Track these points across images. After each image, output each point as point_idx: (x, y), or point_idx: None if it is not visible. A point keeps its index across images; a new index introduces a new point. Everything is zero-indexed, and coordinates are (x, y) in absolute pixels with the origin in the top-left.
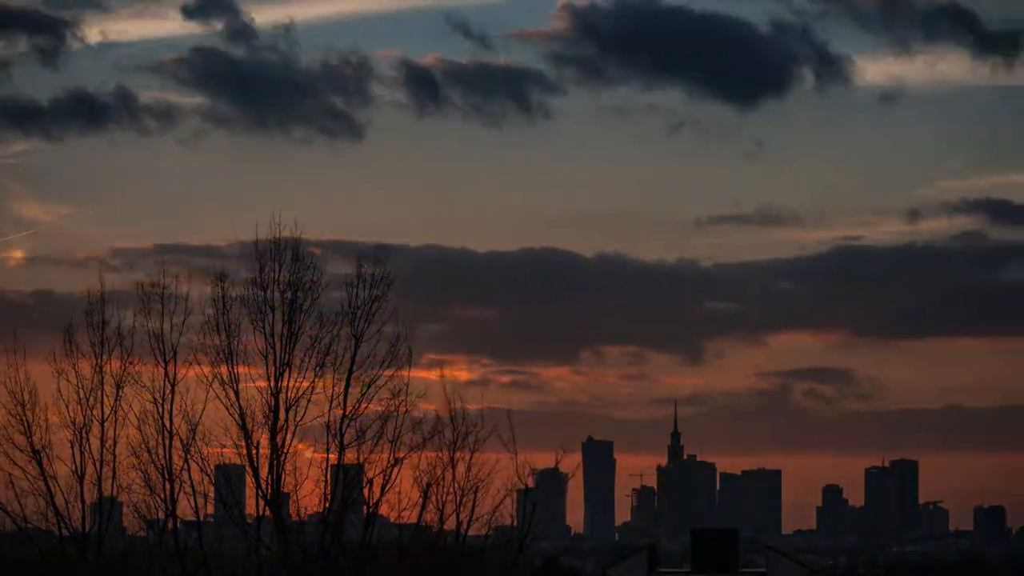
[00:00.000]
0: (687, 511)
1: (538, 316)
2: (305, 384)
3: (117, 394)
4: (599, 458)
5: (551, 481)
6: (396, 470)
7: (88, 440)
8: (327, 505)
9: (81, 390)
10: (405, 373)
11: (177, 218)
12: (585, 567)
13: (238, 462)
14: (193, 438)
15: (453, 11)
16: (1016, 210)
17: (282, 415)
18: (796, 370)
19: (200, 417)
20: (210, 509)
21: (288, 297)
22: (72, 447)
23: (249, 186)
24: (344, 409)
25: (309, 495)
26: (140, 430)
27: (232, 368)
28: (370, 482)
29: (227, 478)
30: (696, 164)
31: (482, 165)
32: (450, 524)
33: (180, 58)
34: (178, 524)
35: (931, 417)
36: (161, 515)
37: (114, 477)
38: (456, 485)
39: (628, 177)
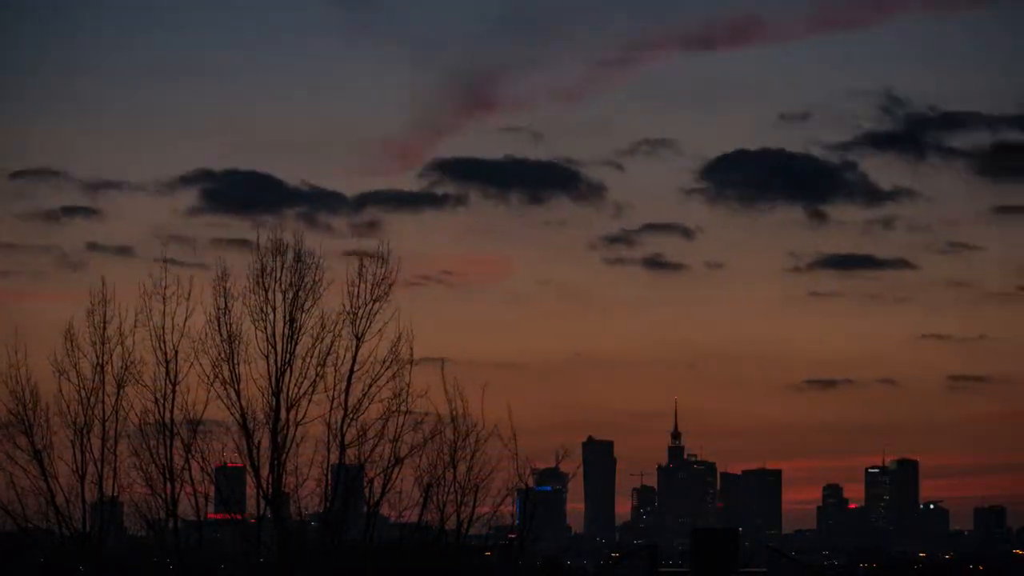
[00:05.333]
0: (687, 511)
1: None
2: (306, 384)
3: (118, 393)
4: (599, 458)
5: (551, 481)
6: (396, 470)
7: (89, 440)
8: (328, 505)
9: (82, 389)
10: (406, 373)
11: None
12: (585, 567)
13: (239, 462)
14: (194, 437)
15: None
16: None
17: (283, 415)
18: None
19: (201, 416)
20: (211, 508)
21: (289, 297)
22: (73, 447)
23: None
24: (345, 409)
25: (310, 495)
26: (141, 429)
27: (233, 368)
28: (370, 482)
29: (227, 478)
30: None
31: None
32: (450, 524)
33: None
34: (178, 524)
35: None
36: (162, 515)
37: (115, 477)
38: (456, 485)
39: None
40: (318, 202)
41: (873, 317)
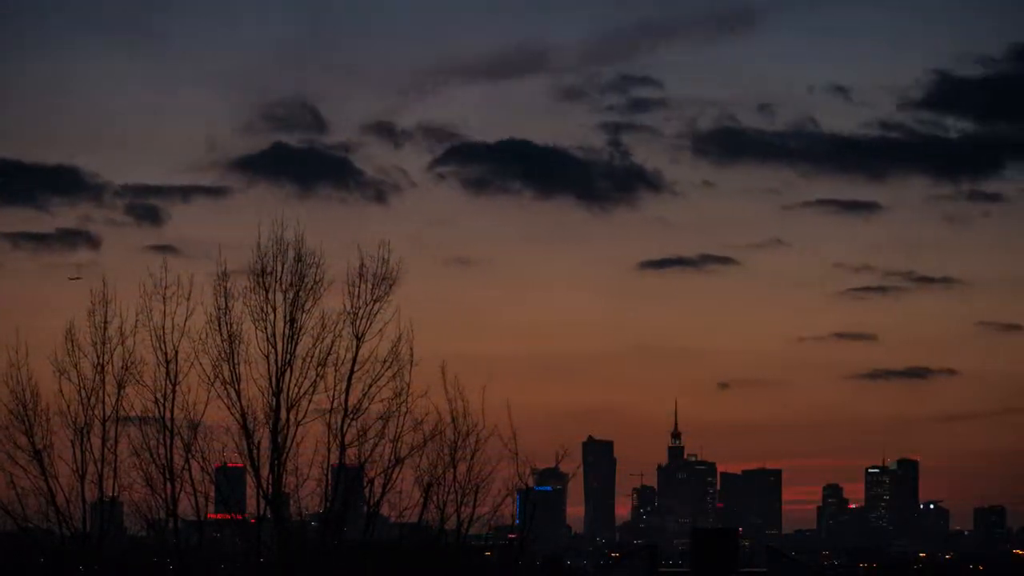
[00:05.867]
0: (687, 511)
1: None
2: (306, 384)
3: (119, 393)
4: (599, 458)
5: (551, 481)
6: (397, 470)
7: (89, 440)
8: (328, 505)
9: (83, 389)
10: (406, 372)
11: None
12: (585, 567)
13: (239, 462)
14: (194, 437)
15: None
16: None
17: (283, 415)
18: None
19: (202, 416)
20: (211, 508)
21: (290, 297)
22: (73, 446)
23: None
24: (345, 409)
25: (310, 495)
26: (141, 429)
27: (233, 368)
28: (371, 482)
29: (227, 478)
30: None
31: None
32: (450, 524)
33: None
34: (178, 524)
35: None
36: (162, 515)
37: (115, 477)
38: (457, 485)
39: None
40: (99, 192)
41: (743, 315)
